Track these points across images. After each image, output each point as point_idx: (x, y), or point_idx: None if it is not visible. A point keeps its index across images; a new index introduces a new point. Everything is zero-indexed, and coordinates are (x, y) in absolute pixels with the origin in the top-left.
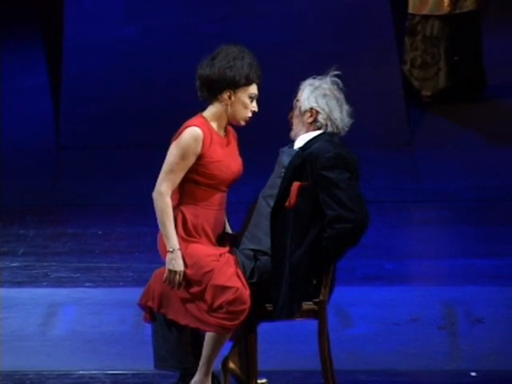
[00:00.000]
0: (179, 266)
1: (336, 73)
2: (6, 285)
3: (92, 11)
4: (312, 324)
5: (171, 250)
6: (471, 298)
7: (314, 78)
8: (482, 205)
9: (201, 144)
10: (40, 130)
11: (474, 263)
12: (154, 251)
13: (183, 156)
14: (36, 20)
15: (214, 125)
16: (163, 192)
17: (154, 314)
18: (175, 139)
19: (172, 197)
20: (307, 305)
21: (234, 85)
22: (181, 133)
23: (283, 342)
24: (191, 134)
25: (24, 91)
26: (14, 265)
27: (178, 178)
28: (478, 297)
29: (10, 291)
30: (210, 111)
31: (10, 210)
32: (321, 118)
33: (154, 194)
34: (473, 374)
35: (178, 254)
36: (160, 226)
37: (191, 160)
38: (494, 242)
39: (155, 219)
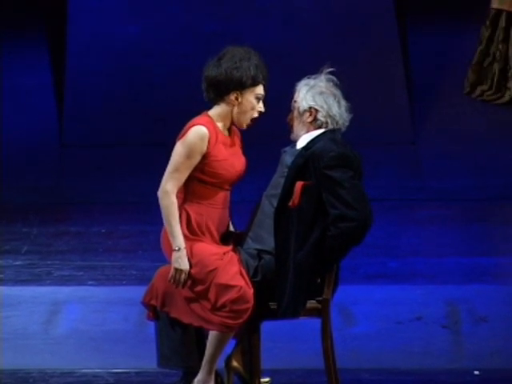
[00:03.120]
0: (185, 264)
1: (330, 70)
2: (9, 283)
3: (95, 9)
4: (315, 322)
5: (177, 248)
6: (474, 297)
7: (309, 77)
8: (486, 203)
9: (206, 143)
10: (43, 128)
11: (477, 262)
12: (157, 249)
13: (189, 155)
14: (39, 18)
15: (219, 124)
16: (169, 191)
17: (157, 312)
18: (181, 138)
19: (177, 195)
20: (311, 303)
21: (241, 86)
22: (186, 131)
23: (286, 341)
24: (197, 132)
25: (27, 89)
26: (17, 263)
27: (184, 176)
28: (482, 295)
29: (13, 289)
30: (215, 111)
31: (13, 208)
32: (320, 115)
33: (160, 193)
34: (476, 372)
35: (184, 252)
36: (166, 224)
37: (197, 159)
38: (498, 241)
39: (158, 217)
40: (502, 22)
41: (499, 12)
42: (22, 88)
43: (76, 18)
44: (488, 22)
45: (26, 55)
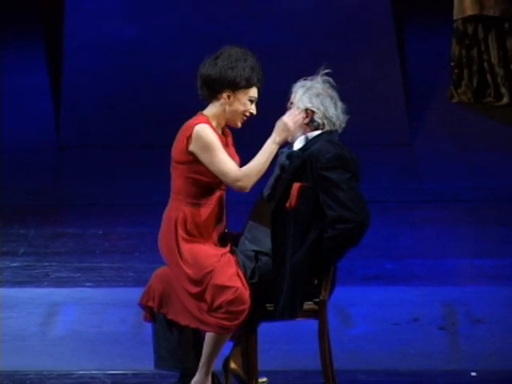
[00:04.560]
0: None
1: (326, 71)
2: (7, 285)
3: (92, 10)
4: (312, 324)
5: (277, 140)
6: (471, 298)
7: (305, 79)
8: (483, 205)
9: (215, 133)
10: (40, 129)
11: (474, 263)
12: (154, 251)
13: (216, 146)
14: (36, 19)
15: (213, 124)
16: (237, 175)
17: (154, 313)
18: (187, 143)
19: (172, 196)
20: (308, 305)
21: (235, 86)
22: (189, 135)
23: (283, 342)
24: (205, 128)
25: (24, 91)
26: (14, 265)
27: (230, 159)
28: (479, 297)
29: (10, 291)
30: (210, 110)
31: (11, 210)
32: (317, 117)
33: (237, 182)
34: (473, 373)
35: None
36: (267, 163)
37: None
38: (494, 242)
39: (156, 219)
40: (481, 33)
41: (475, 25)
42: (19, 89)
43: (73, 19)
44: (467, 41)
45: (23, 57)
